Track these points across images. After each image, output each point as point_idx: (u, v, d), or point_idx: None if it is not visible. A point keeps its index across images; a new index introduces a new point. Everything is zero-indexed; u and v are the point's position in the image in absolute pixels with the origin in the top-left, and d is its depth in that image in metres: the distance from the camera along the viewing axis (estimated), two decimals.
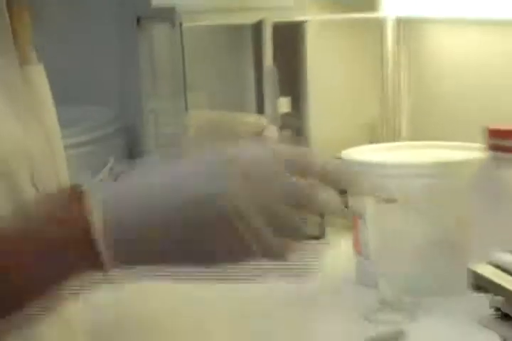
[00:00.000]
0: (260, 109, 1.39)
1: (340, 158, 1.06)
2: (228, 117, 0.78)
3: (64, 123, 0.81)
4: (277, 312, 1.06)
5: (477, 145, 1.11)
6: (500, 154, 1.06)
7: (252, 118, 0.78)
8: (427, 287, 1.13)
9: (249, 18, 1.40)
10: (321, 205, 0.60)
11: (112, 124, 1.55)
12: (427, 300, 1.11)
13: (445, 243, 1.12)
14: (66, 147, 0.82)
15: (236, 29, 1.45)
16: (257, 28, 1.38)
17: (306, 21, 1.42)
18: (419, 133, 1.50)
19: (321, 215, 0.64)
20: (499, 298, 0.90)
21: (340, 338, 1.04)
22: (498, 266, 0.93)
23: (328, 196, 0.59)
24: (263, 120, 0.77)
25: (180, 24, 1.36)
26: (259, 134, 0.72)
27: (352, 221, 1.12)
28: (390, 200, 0.65)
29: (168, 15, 1.36)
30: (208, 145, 0.64)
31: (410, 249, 1.14)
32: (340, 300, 1.16)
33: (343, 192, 0.60)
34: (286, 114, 1.41)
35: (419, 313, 1.09)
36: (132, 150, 1.59)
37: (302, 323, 1.04)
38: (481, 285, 0.93)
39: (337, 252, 1.17)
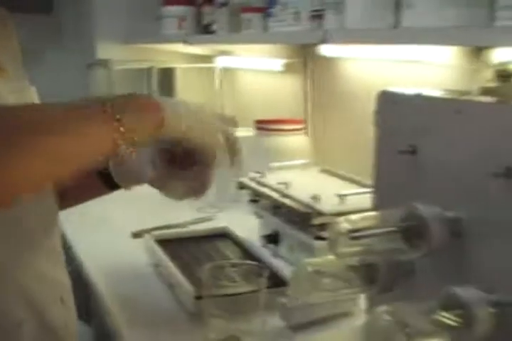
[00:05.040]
0: None
1: None
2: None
3: None
4: None
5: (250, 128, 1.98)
6: (260, 131, 1.96)
7: None
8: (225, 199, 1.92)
9: (146, 65, 2.44)
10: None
11: None
12: (227, 204, 1.94)
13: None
14: None
15: (139, 70, 2.47)
16: (149, 70, 2.44)
17: (175, 68, 2.50)
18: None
19: None
20: (249, 191, 1.61)
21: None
22: (251, 179, 1.61)
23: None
24: None
25: (112, 68, 2.38)
26: None
27: None
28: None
29: (105, 63, 2.35)
30: None
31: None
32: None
33: None
34: None
35: (223, 210, 1.94)
36: None
37: None
38: (242, 186, 1.62)
39: None
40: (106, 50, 2.45)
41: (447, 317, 0.81)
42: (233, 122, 0.96)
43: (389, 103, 1.02)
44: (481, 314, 0.80)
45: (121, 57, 2.42)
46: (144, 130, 0.79)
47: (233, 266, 1.17)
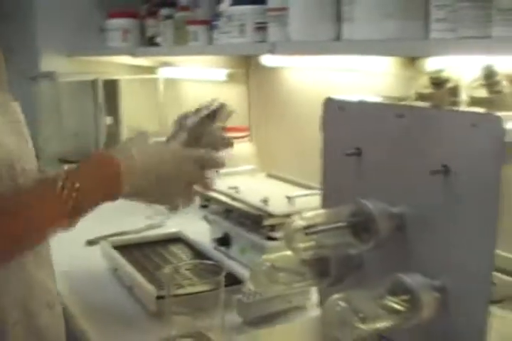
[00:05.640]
0: (97, 122, 2.47)
1: None
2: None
3: None
4: None
5: None
6: None
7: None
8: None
9: (90, 77, 2.47)
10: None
11: None
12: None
13: None
14: None
15: (84, 82, 2.49)
16: (95, 82, 2.46)
17: (119, 79, 2.54)
18: None
19: None
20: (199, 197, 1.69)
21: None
22: None
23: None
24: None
25: (57, 80, 2.39)
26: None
27: None
28: None
29: (50, 75, 2.37)
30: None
31: None
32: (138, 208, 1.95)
33: None
34: (109, 125, 2.51)
35: (171, 216, 1.96)
36: None
37: None
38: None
39: None
40: (50, 63, 2.47)
41: (395, 302, 0.89)
42: (218, 163, 1.06)
43: (334, 109, 1.10)
44: (425, 298, 0.89)
45: (66, 70, 2.43)
46: (95, 202, 0.91)
47: (191, 266, 1.24)
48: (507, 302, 1.03)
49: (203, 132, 1.08)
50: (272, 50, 1.32)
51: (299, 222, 0.94)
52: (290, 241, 0.94)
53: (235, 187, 1.56)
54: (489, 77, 1.06)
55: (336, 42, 1.24)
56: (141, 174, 0.94)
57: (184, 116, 1.11)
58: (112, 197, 0.93)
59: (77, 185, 0.86)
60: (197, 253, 1.56)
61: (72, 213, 0.87)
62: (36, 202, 0.86)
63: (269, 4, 1.42)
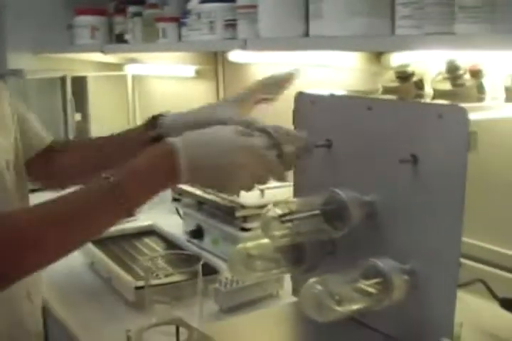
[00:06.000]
0: (66, 119, 2.49)
1: None
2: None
3: None
4: None
5: None
6: None
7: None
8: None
9: (58, 74, 2.48)
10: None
11: None
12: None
13: None
14: None
15: (52, 80, 2.50)
16: (63, 79, 2.48)
17: (88, 76, 2.55)
18: None
19: None
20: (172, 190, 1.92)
21: None
22: None
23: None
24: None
25: (25, 78, 2.38)
26: None
27: None
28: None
29: (18, 72, 2.36)
30: None
31: None
32: None
33: None
34: (78, 122, 2.52)
35: (142, 210, 2.11)
36: None
37: None
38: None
39: None
40: (17, 60, 2.46)
41: (368, 285, 0.94)
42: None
43: (306, 103, 1.15)
44: (396, 281, 0.94)
45: (34, 67, 2.43)
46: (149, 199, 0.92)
47: (168, 257, 1.27)
48: (472, 286, 1.09)
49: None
50: (243, 46, 1.35)
51: (275, 210, 0.98)
52: (266, 229, 0.98)
53: None
54: (452, 71, 1.12)
55: (304, 39, 1.28)
56: (205, 163, 0.91)
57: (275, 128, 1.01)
58: (169, 185, 0.93)
59: (128, 185, 0.88)
60: (171, 245, 1.60)
61: (126, 212, 0.90)
62: (90, 211, 0.87)
63: (239, 2, 1.46)
